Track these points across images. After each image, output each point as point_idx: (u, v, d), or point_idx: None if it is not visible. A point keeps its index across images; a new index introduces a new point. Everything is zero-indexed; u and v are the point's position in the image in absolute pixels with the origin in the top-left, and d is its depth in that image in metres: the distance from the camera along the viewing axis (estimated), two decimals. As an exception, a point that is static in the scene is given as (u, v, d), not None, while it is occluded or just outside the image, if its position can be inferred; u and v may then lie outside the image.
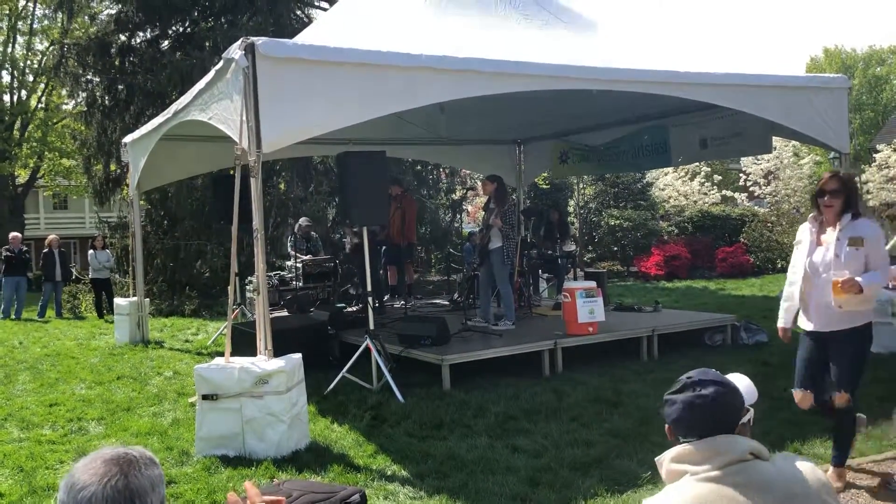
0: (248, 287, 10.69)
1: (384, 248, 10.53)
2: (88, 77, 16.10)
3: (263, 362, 5.09)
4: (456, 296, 11.06)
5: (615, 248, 19.84)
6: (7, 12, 26.54)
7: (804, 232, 4.19)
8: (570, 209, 20.70)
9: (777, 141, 18.75)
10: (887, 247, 8.93)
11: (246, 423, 4.98)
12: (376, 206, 6.83)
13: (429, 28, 6.94)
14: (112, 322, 11.44)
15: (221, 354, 5.47)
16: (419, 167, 18.05)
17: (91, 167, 16.67)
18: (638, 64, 7.03)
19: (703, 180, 24.13)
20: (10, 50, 27.20)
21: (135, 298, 10.27)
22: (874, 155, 25.23)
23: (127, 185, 12.60)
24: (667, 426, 1.87)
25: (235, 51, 5.27)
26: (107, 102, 15.66)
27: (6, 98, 27.49)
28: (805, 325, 4.20)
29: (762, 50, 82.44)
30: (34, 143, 27.82)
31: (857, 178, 23.16)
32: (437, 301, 11.55)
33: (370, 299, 7.18)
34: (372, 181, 6.70)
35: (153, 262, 14.52)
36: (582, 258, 18.63)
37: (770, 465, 1.72)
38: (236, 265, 5.85)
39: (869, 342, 4.14)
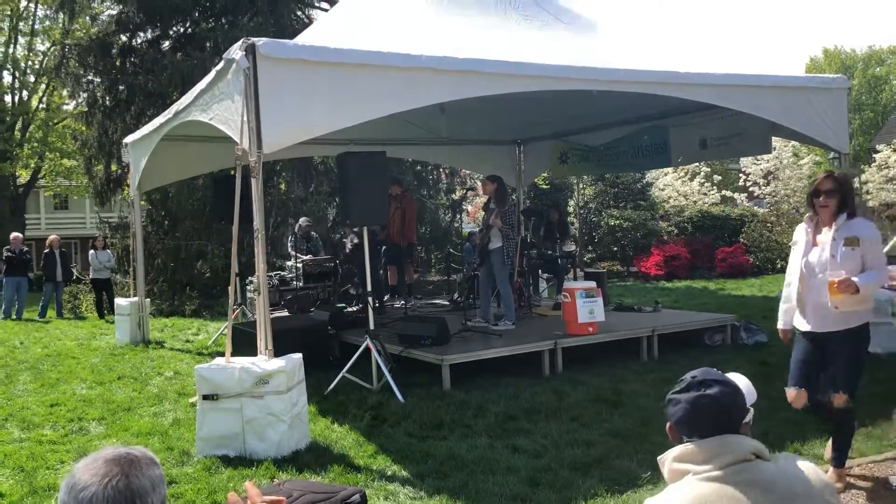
0: (248, 287, 10.69)
1: (384, 248, 10.54)
2: (89, 77, 16.11)
3: (264, 362, 5.10)
4: (456, 296, 11.07)
5: (615, 249, 19.85)
6: (8, 13, 26.54)
7: (800, 232, 4.19)
8: (570, 209, 20.70)
9: (777, 141, 18.75)
10: (887, 247, 8.93)
11: (246, 423, 4.98)
12: (376, 206, 6.84)
13: (429, 29, 6.95)
14: (113, 322, 11.45)
15: (222, 354, 5.48)
16: (419, 167, 18.05)
17: (92, 167, 16.69)
18: (638, 64, 7.04)
19: (702, 180, 24.13)
20: (11, 50, 27.21)
21: (135, 298, 10.28)
22: (874, 155, 25.23)
23: (128, 186, 12.60)
24: (668, 425, 1.87)
25: (236, 51, 5.28)
26: (108, 103, 15.67)
27: (7, 98, 27.50)
28: (801, 325, 4.19)
29: (762, 50, 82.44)
30: (35, 144, 27.82)
31: (858, 178, 23.22)
32: (437, 301, 11.55)
33: (370, 299, 7.18)
34: (372, 181, 6.70)
35: (154, 263, 14.54)
36: (582, 258, 18.64)
37: (772, 465, 1.73)
38: (237, 265, 5.86)
39: (866, 343, 4.13)
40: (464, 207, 20.03)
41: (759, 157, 22.16)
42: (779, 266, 18.14)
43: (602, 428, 5.37)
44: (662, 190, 23.49)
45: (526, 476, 4.46)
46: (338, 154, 7.61)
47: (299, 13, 16.41)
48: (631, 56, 7.40)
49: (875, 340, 7.32)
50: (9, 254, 14.13)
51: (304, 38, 6.68)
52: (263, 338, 5.25)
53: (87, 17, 20.28)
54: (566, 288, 7.94)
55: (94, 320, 13.82)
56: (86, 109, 16.41)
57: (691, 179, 24.13)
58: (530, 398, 6.25)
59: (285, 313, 9.55)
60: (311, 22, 14.80)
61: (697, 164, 23.15)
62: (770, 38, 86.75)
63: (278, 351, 5.27)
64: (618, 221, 19.50)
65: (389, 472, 4.66)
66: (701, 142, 9.79)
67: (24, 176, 29.59)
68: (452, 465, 4.69)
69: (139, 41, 16.11)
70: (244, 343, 6.80)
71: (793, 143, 21.08)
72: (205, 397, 5.06)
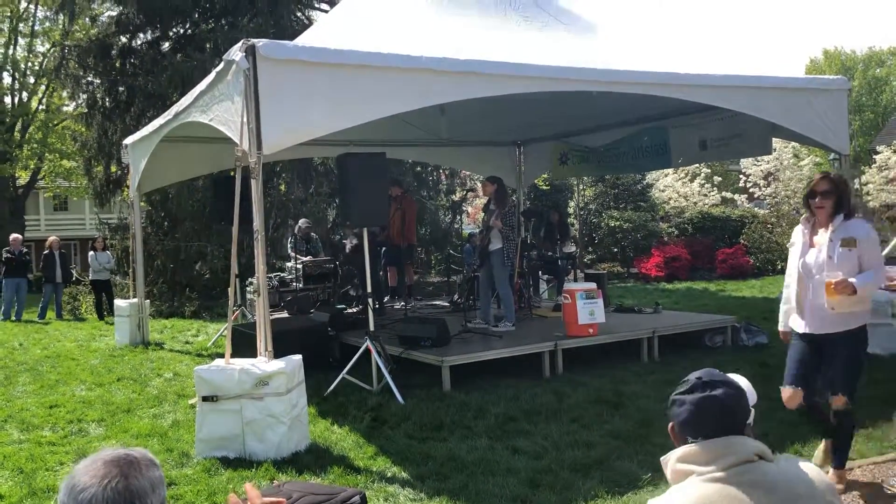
0: (248, 288, 10.69)
1: (384, 249, 10.54)
2: (89, 79, 16.11)
3: (263, 364, 5.09)
4: (456, 297, 11.06)
5: (615, 250, 19.84)
6: (8, 14, 26.58)
7: (797, 234, 4.17)
8: (570, 210, 20.69)
9: (777, 142, 18.74)
10: (887, 249, 8.93)
11: (246, 425, 4.97)
12: (376, 208, 6.84)
13: (429, 30, 6.95)
14: (112, 323, 11.44)
15: (222, 356, 5.47)
16: (419, 168, 18.05)
17: (91, 169, 16.68)
18: (638, 65, 7.04)
19: (703, 182, 24.13)
20: (11, 52, 27.24)
21: (135, 300, 10.28)
22: (874, 156, 25.23)
23: (127, 187, 12.60)
24: (670, 426, 1.86)
25: (236, 52, 5.28)
26: (107, 104, 15.67)
27: (7, 100, 27.52)
28: (799, 326, 4.16)
29: (762, 51, 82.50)
30: (35, 145, 27.84)
31: (858, 179, 23.22)
32: (437, 302, 11.55)
33: (370, 300, 7.18)
34: (372, 182, 6.70)
35: (153, 264, 14.53)
36: (582, 259, 18.62)
37: (775, 466, 1.72)
38: (236, 266, 5.85)
39: (864, 345, 4.11)
40: (464, 208, 20.03)
41: (759, 158, 22.15)
42: (779, 267, 18.13)
43: (602, 429, 5.36)
44: (663, 191, 23.49)
45: (526, 477, 4.45)
46: (338, 155, 7.61)
47: (299, 14, 16.41)
48: (631, 57, 7.40)
49: (875, 341, 7.33)
50: (8, 255, 14.12)
51: (304, 39, 6.68)
52: (263, 339, 5.24)
53: (87, 19, 20.28)
54: (566, 289, 7.93)
55: (93, 321, 13.81)
56: (85, 111, 16.41)
57: (692, 180, 24.13)
58: (530, 399, 6.24)
59: (285, 314, 9.55)
60: (311, 23, 14.80)
61: (698, 165, 23.15)
62: (770, 39, 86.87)
63: (278, 352, 5.27)
64: (618, 222, 19.50)
65: (389, 474, 4.65)
66: (701, 143, 9.78)
67: (23, 177, 29.61)
68: (452, 466, 4.68)
69: (139, 42, 16.11)
70: (244, 344, 6.80)
71: (793, 144, 21.08)
72: (204, 399, 5.06)
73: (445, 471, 4.61)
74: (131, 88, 15.05)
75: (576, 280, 10.94)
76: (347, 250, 11.23)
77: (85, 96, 16.36)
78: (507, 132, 12.05)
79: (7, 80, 27.60)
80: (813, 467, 1.77)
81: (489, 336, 7.93)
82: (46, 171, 29.09)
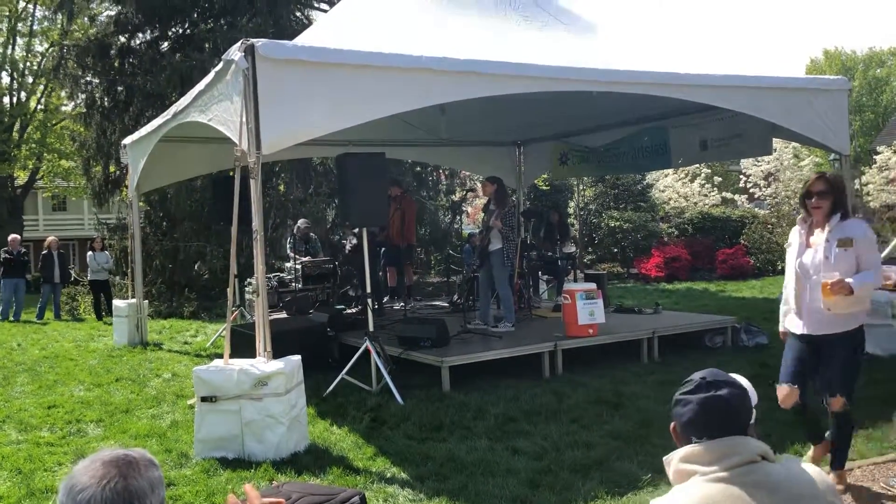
0: (247, 289, 10.68)
1: (383, 249, 10.53)
2: (88, 78, 16.09)
3: (262, 364, 5.08)
4: (455, 297, 11.05)
5: (615, 250, 19.84)
6: (7, 14, 26.55)
7: (794, 234, 4.15)
8: (570, 211, 20.69)
9: (777, 142, 18.74)
10: (887, 249, 8.92)
11: (245, 425, 4.96)
12: (376, 208, 6.83)
13: (428, 30, 6.94)
14: (111, 324, 11.43)
15: (220, 356, 5.46)
16: (419, 168, 18.04)
17: (90, 168, 16.66)
18: (638, 65, 7.03)
19: (703, 182, 24.12)
20: (9, 51, 27.21)
21: (133, 300, 10.26)
22: (874, 157, 25.25)
23: (126, 187, 12.59)
24: (672, 426, 1.85)
25: (235, 52, 5.27)
26: (106, 104, 15.65)
27: (6, 100, 27.50)
28: (797, 328, 4.12)
29: (762, 51, 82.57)
30: (33, 145, 27.82)
31: (858, 179, 23.23)
32: (437, 303, 11.54)
33: (369, 301, 7.17)
34: (372, 182, 6.69)
35: (152, 264, 14.51)
36: (582, 260, 18.61)
37: (779, 467, 1.72)
38: (235, 267, 5.84)
39: (862, 345, 4.09)
40: (463, 209, 20.02)
41: (759, 158, 22.15)
42: (779, 268, 18.12)
43: (602, 430, 5.35)
44: (663, 191, 23.49)
45: (526, 478, 4.44)
46: (337, 155, 7.59)
47: (298, 14, 16.40)
48: (631, 57, 7.40)
49: (875, 342, 7.35)
50: (6, 255, 14.10)
51: (304, 38, 6.67)
52: (262, 339, 5.23)
53: (86, 18, 20.25)
54: (566, 289, 7.92)
55: (92, 322, 13.80)
56: (84, 110, 16.39)
57: (692, 181, 24.13)
58: (530, 400, 6.23)
59: (284, 315, 9.54)
60: (310, 23, 14.79)
61: (698, 165, 23.15)
62: (770, 39, 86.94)
63: (277, 353, 5.25)
64: (618, 223, 19.50)
65: (389, 475, 4.64)
66: (701, 143, 9.77)
67: (22, 177, 29.59)
68: (452, 467, 4.67)
69: (138, 42, 16.09)
70: (243, 345, 6.78)
71: (793, 144, 21.07)
72: (203, 399, 5.04)
73: (445, 471, 4.60)
74: (130, 88, 15.03)
75: (575, 280, 10.94)
76: (347, 250, 11.22)
77: (83, 96, 16.35)
78: (507, 132, 12.04)
79: (5, 79, 27.61)
80: (815, 468, 1.77)
81: (489, 336, 7.92)
82: (45, 170, 29.08)
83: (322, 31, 7.20)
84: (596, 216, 20.52)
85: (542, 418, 5.69)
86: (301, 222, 11.96)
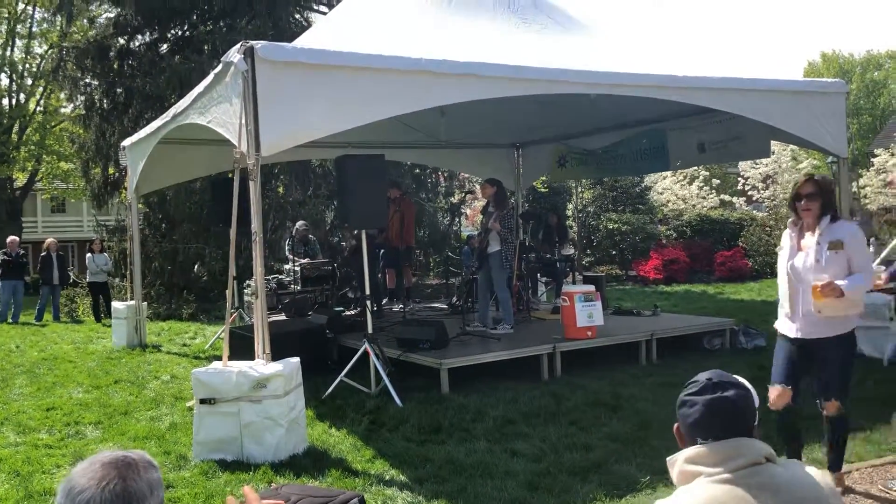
0: (246, 291, 10.67)
1: (382, 251, 10.52)
2: (87, 80, 16.09)
3: (261, 366, 5.08)
4: (454, 299, 11.05)
5: (614, 252, 19.85)
6: (6, 16, 26.54)
7: (785, 238, 4.14)
8: (569, 213, 20.70)
9: (775, 145, 18.79)
10: (885, 250, 8.94)
11: (244, 427, 4.96)
12: (375, 210, 6.83)
13: (428, 32, 6.95)
14: (109, 326, 11.41)
15: (219, 358, 5.45)
16: (418, 170, 18.05)
17: (89, 170, 16.65)
18: (636, 68, 7.04)
19: (701, 184, 24.16)
20: (8, 53, 27.19)
21: (132, 302, 10.25)
22: (872, 159, 25.30)
23: (125, 189, 12.58)
24: (676, 427, 1.85)
25: (234, 54, 5.27)
26: (105, 106, 15.64)
27: (4, 101, 27.47)
28: (789, 331, 4.09)
29: (760, 55, 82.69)
30: (32, 147, 27.79)
31: (855, 182, 23.25)
32: (436, 305, 11.54)
33: (368, 303, 7.16)
34: (371, 184, 6.69)
35: (151, 266, 14.50)
36: (580, 262, 18.63)
37: (783, 469, 1.72)
38: (234, 269, 5.84)
39: (854, 348, 4.09)
40: (462, 211, 20.03)
41: (757, 161, 22.19)
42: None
43: (601, 432, 5.35)
44: (661, 194, 23.51)
45: (525, 480, 4.44)
46: (336, 157, 7.60)
47: (298, 16, 16.41)
48: (629, 60, 7.41)
49: (873, 344, 7.35)
50: (5, 257, 14.08)
51: (303, 41, 6.68)
52: (261, 341, 5.23)
53: (85, 20, 20.25)
54: (565, 292, 7.93)
55: (90, 324, 13.78)
56: (83, 112, 16.39)
57: (690, 183, 24.16)
58: (529, 402, 6.23)
59: (283, 317, 9.53)
60: (309, 25, 14.80)
61: (696, 167, 23.19)
62: (768, 42, 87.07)
63: (276, 355, 5.25)
64: (616, 225, 19.51)
65: (387, 477, 4.64)
66: (699, 145, 9.77)
67: (21, 179, 29.55)
68: (451, 469, 4.67)
69: (137, 44, 16.09)
70: (242, 347, 6.77)
71: (791, 146, 21.12)
72: (202, 401, 5.04)
73: (444, 473, 4.60)
74: (129, 90, 15.03)
75: (574, 282, 10.95)
76: (346, 252, 11.22)
77: (83, 98, 16.34)
78: (505, 134, 12.05)
79: (4, 81, 27.60)
80: (818, 471, 1.77)
81: (488, 338, 7.92)
82: (44, 172, 29.04)
83: (321, 33, 7.21)
84: (594, 218, 20.53)
85: (540, 420, 5.69)
86: (300, 224, 11.95)
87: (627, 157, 10.88)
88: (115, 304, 10.74)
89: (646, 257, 18.88)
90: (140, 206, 12.87)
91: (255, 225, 5.28)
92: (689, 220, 21.13)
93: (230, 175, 6.20)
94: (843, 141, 7.94)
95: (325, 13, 14.95)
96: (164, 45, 16.05)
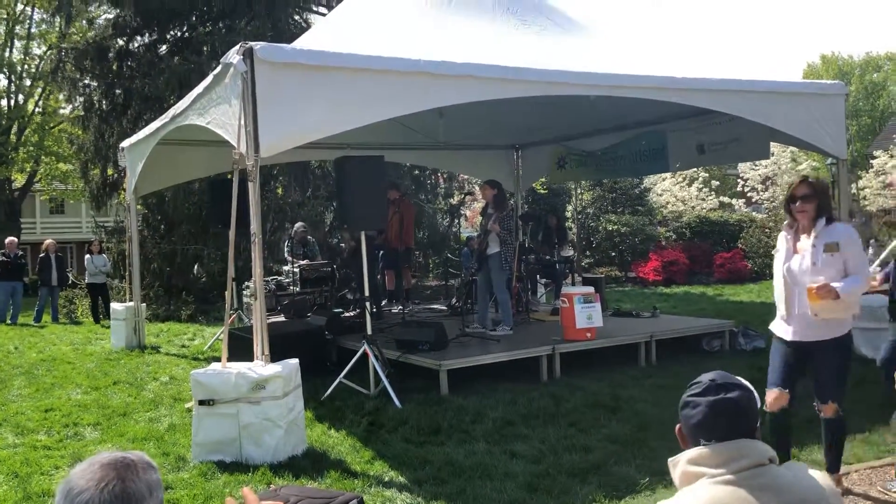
0: (245, 292, 10.66)
1: (382, 252, 10.52)
2: (86, 81, 16.08)
3: (260, 367, 5.07)
4: (454, 301, 11.05)
5: (613, 254, 19.85)
6: (5, 16, 26.53)
7: (781, 240, 4.12)
8: (568, 214, 20.71)
9: (775, 147, 18.82)
10: (885, 252, 8.94)
11: (243, 429, 4.95)
12: (374, 211, 6.82)
13: (427, 33, 6.95)
14: (108, 327, 11.41)
15: (218, 360, 5.45)
16: (417, 172, 18.05)
17: (88, 171, 16.64)
18: (635, 70, 7.04)
19: (700, 186, 24.18)
20: (7, 54, 27.17)
21: (131, 303, 10.24)
22: (871, 161, 25.33)
23: (124, 190, 12.57)
24: (678, 428, 1.85)
25: (234, 55, 5.27)
26: (104, 107, 15.64)
27: (3, 102, 27.46)
28: (785, 333, 4.08)
29: (760, 56, 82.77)
30: (31, 148, 27.77)
31: (855, 183, 23.26)
32: (435, 306, 11.53)
33: (367, 304, 7.16)
34: (370, 185, 6.69)
35: (150, 267, 14.48)
36: (580, 263, 18.64)
37: (785, 471, 1.72)
38: (233, 270, 5.83)
39: (850, 350, 4.08)
40: (462, 212, 20.04)
41: (757, 162, 22.21)
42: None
43: (600, 433, 5.35)
44: (660, 195, 23.52)
45: (524, 482, 4.43)
46: (335, 158, 7.60)
47: (297, 17, 16.41)
48: (629, 61, 7.41)
49: (873, 346, 7.34)
50: (4, 258, 14.06)
51: (302, 42, 6.67)
52: (260, 343, 5.22)
53: (84, 21, 20.27)
54: (564, 293, 7.92)
55: (89, 325, 13.77)
56: (82, 113, 16.37)
57: (689, 185, 24.18)
58: (528, 403, 6.22)
59: (282, 318, 9.53)
60: (308, 26, 14.80)
61: (695, 169, 23.22)
62: (768, 44, 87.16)
63: (275, 356, 5.25)
64: (616, 227, 19.52)
65: (387, 478, 4.63)
66: (699, 147, 9.77)
67: (19, 180, 29.52)
68: (450, 470, 4.67)
69: (136, 45, 16.09)
70: (240, 348, 6.76)
71: (791, 148, 21.13)
72: (201, 402, 5.03)
73: (443, 475, 4.60)
74: (128, 91, 15.02)
75: (573, 284, 10.94)
76: (345, 254, 11.21)
77: (81, 99, 16.33)
78: (505, 136, 12.06)
79: (3, 82, 27.59)
80: (820, 474, 1.77)
81: (487, 340, 7.92)
82: (43, 173, 29.02)
83: (320, 35, 7.21)
84: (594, 220, 20.54)
85: (539, 422, 5.69)
86: (298, 226, 11.95)
87: (627, 158, 10.89)
88: (114, 306, 10.73)
89: (645, 259, 18.88)
90: (139, 207, 12.86)
91: (254, 226, 5.27)
92: (688, 222, 21.14)
93: (229, 176, 6.20)
94: (843, 142, 7.94)
95: (324, 14, 14.95)
96: (164, 47, 16.04)
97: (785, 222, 4.14)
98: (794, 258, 4.00)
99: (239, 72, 5.18)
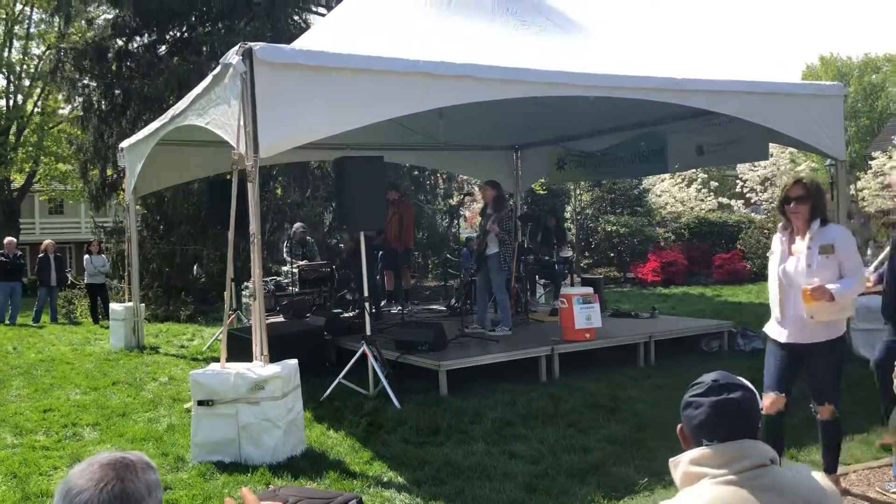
0: (244, 292, 10.66)
1: (381, 253, 10.52)
2: (85, 82, 16.07)
3: (259, 368, 5.07)
4: (453, 301, 11.05)
5: (612, 255, 19.86)
6: (4, 16, 26.52)
7: (776, 242, 4.10)
8: (567, 215, 20.72)
9: (774, 148, 18.81)
10: (883, 253, 8.94)
11: (242, 429, 4.95)
12: (374, 211, 6.82)
13: (426, 34, 6.96)
14: (107, 327, 11.40)
15: (217, 360, 5.45)
16: (417, 172, 18.05)
17: (87, 172, 16.63)
18: (635, 70, 7.05)
19: (699, 187, 24.19)
20: (6, 54, 27.15)
21: (130, 304, 10.24)
22: (870, 162, 25.34)
23: (123, 190, 12.56)
24: (679, 427, 1.85)
25: (233, 56, 5.27)
26: (103, 107, 15.63)
27: (2, 103, 27.43)
28: (780, 335, 4.07)
29: (759, 57, 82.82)
30: (30, 148, 27.75)
31: (853, 184, 23.27)
32: (434, 307, 11.53)
33: (367, 305, 7.16)
34: (369, 186, 6.69)
35: (149, 267, 14.47)
36: (579, 264, 18.64)
37: (787, 471, 1.73)
38: (232, 270, 5.83)
39: (844, 352, 4.08)
40: (461, 213, 20.04)
41: (756, 163, 22.21)
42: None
43: (599, 434, 5.35)
44: (659, 196, 23.53)
45: (523, 482, 4.44)
46: (335, 158, 7.60)
47: (296, 18, 16.41)
48: (628, 62, 7.41)
49: (871, 346, 7.33)
50: (2, 258, 14.05)
51: (302, 42, 6.68)
52: (259, 343, 5.22)
53: (83, 21, 20.22)
54: (563, 294, 7.93)
55: (88, 325, 13.76)
56: (81, 114, 16.37)
57: (688, 185, 24.19)
58: (527, 404, 6.23)
59: (281, 319, 9.52)
60: (308, 27, 14.80)
61: (694, 170, 23.23)
62: (767, 45, 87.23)
63: (274, 356, 5.25)
64: (615, 227, 19.52)
65: (386, 479, 4.63)
66: (698, 148, 9.78)
67: (18, 180, 29.50)
68: (449, 471, 4.67)
69: (135, 45, 16.08)
70: (239, 348, 6.76)
71: (790, 149, 21.15)
72: (200, 403, 5.03)
73: (442, 475, 4.60)
74: (127, 91, 15.02)
75: (572, 285, 10.94)
76: (344, 254, 11.21)
77: (81, 99, 16.32)
78: (504, 136, 12.06)
79: (2, 82, 27.56)
80: (821, 475, 1.78)
81: (486, 340, 7.92)
82: (42, 174, 29.00)
83: (320, 35, 7.21)
84: (593, 221, 20.54)
85: (538, 422, 5.69)
86: (298, 226, 11.95)
87: (626, 159, 10.89)
88: (113, 306, 10.72)
89: (644, 259, 18.89)
90: (138, 207, 12.86)
91: (254, 226, 5.27)
92: (687, 223, 21.15)
93: (228, 176, 6.21)
94: (841, 143, 7.95)
95: (323, 15, 14.96)
96: (163, 47, 16.04)
97: (780, 224, 4.13)
98: (790, 260, 3.98)
99: (238, 72, 5.19)
